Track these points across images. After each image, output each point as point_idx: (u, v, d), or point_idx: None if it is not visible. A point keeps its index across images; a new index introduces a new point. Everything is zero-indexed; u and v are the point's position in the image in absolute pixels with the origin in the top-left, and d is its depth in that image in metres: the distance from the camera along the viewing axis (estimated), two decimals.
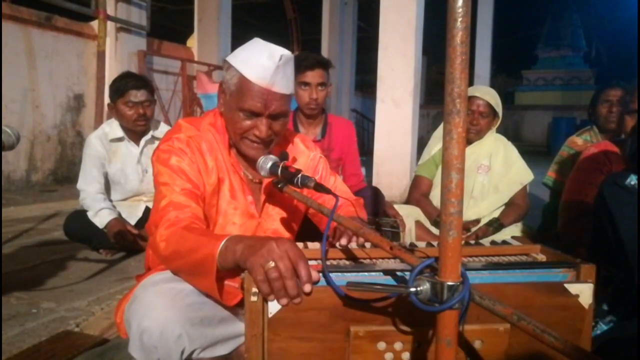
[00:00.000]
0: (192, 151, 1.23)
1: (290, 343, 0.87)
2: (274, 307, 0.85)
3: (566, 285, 0.90)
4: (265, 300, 0.85)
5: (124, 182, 2.71)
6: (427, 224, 2.52)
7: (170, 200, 1.14)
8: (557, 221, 2.28)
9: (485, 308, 0.72)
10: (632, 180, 1.36)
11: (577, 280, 0.95)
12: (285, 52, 1.19)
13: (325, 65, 2.38)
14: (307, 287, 0.85)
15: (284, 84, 1.20)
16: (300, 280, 0.85)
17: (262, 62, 1.16)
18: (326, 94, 2.42)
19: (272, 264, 0.84)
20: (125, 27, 5.97)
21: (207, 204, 1.25)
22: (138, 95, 2.60)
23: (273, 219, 1.37)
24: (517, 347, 0.90)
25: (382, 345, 0.88)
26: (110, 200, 2.70)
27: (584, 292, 0.90)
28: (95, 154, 2.64)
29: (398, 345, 0.88)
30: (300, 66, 2.31)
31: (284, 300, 0.84)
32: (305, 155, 1.45)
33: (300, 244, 1.11)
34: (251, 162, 1.28)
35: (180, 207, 1.13)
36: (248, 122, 1.22)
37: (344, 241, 1.10)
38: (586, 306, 0.90)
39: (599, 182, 2.06)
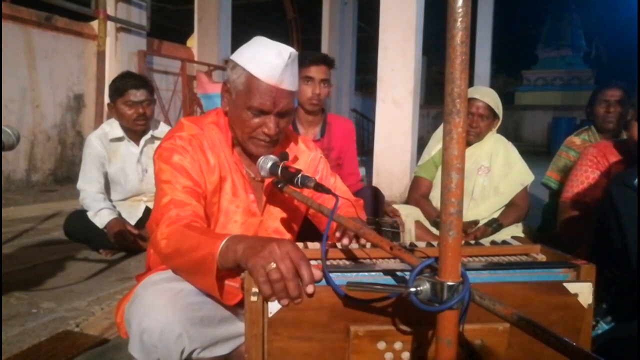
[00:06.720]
0: (194, 149, 1.24)
1: (291, 343, 0.87)
2: (274, 307, 0.85)
3: (565, 285, 0.90)
4: (265, 301, 0.85)
5: (124, 182, 2.71)
6: (427, 224, 2.52)
7: (171, 198, 1.15)
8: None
9: (485, 308, 0.72)
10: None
11: (578, 280, 0.95)
12: (292, 50, 1.20)
13: (329, 63, 2.39)
14: (310, 289, 0.85)
15: (291, 81, 1.21)
16: (302, 281, 0.85)
17: (271, 60, 1.17)
18: (328, 93, 2.42)
19: (273, 265, 0.84)
20: (125, 27, 5.97)
21: (208, 202, 1.25)
22: (137, 95, 2.60)
23: (275, 218, 1.38)
24: (516, 347, 0.90)
25: (382, 344, 0.88)
26: (110, 200, 2.70)
27: (583, 291, 0.90)
28: (96, 154, 2.64)
29: (398, 345, 0.88)
30: (305, 61, 2.32)
31: (285, 301, 0.85)
32: (306, 155, 1.46)
33: (300, 244, 1.11)
34: (254, 160, 1.29)
35: (182, 205, 1.13)
36: (256, 120, 1.22)
37: (345, 241, 1.10)
38: (585, 306, 0.90)
39: (597, 182, 2.06)
